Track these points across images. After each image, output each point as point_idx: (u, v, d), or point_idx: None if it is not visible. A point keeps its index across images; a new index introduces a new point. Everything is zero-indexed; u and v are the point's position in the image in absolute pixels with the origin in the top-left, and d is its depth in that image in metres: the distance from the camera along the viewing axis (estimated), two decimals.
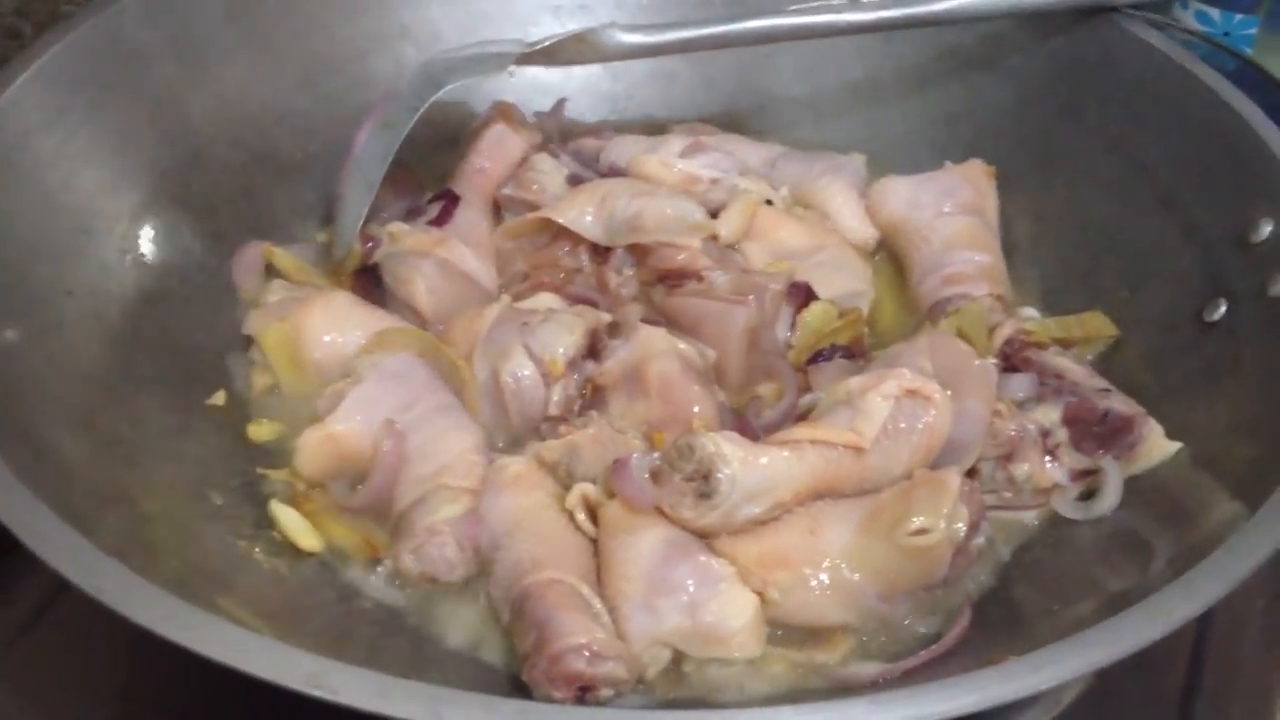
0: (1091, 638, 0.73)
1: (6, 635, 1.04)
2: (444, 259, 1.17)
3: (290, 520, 0.99)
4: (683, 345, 1.08)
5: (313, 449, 1.02)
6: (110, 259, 1.09)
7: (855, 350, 1.12)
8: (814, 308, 1.15)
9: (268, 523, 1.00)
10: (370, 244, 1.20)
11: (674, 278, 1.16)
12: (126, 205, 1.12)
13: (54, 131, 1.08)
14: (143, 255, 1.12)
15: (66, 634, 1.04)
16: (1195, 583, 0.76)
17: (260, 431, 1.08)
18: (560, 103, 1.40)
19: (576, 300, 1.16)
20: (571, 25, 1.38)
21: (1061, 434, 1.02)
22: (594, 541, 0.96)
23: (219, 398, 1.09)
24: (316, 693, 0.67)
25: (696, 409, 1.03)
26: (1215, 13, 1.69)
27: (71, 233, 1.06)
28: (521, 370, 1.04)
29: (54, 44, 1.10)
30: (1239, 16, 1.68)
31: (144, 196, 1.14)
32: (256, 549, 0.96)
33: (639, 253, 1.18)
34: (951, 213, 1.23)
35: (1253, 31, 1.68)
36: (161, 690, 1.01)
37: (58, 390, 0.95)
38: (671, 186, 1.25)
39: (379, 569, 0.98)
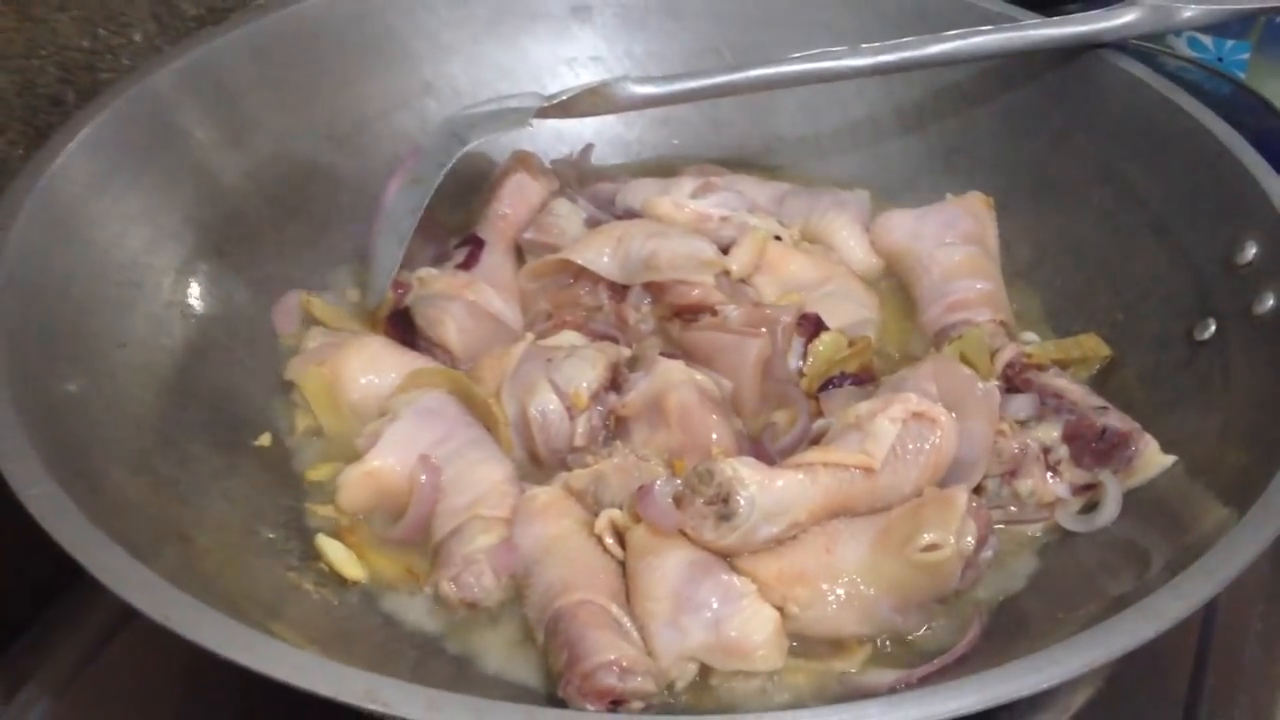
0: (1088, 639, 0.77)
1: (71, 667, 1.09)
2: (472, 301, 1.22)
3: (335, 552, 1.04)
4: (700, 376, 1.12)
5: (354, 485, 1.07)
6: (159, 312, 1.14)
7: (865, 377, 1.16)
8: (825, 337, 1.19)
9: (314, 555, 1.04)
10: (401, 289, 1.25)
11: (689, 312, 1.21)
12: (172, 261, 1.17)
13: (102, 194, 1.13)
14: (189, 307, 1.17)
15: (126, 665, 1.09)
16: (1185, 585, 0.81)
17: (318, 473, 1.12)
18: (588, 147, 1.46)
19: (598, 337, 1.21)
20: (586, 76, 1.46)
21: (1062, 450, 1.06)
22: (622, 564, 1.00)
23: (265, 439, 1.14)
24: (371, 706, 0.72)
25: (715, 436, 1.07)
26: (1208, 39, 1.74)
27: (122, 288, 1.11)
28: (547, 404, 1.09)
29: (99, 112, 1.15)
30: (1231, 42, 1.73)
31: (188, 252, 1.19)
32: (305, 579, 1.01)
33: (655, 290, 1.23)
34: (952, 243, 1.27)
35: (1245, 56, 1.73)
36: (216, 714, 1.06)
37: (116, 436, 1.00)
38: (684, 226, 1.29)
39: (419, 596, 1.02)
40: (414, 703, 0.72)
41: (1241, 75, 1.72)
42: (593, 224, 1.33)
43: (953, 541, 0.93)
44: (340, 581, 1.03)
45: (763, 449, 1.09)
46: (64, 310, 1.04)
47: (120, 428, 1.02)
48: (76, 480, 0.88)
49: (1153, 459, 1.04)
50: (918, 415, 1.01)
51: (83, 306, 1.06)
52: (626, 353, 1.17)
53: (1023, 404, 1.09)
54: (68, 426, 0.96)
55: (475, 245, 1.29)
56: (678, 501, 0.98)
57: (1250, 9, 1.37)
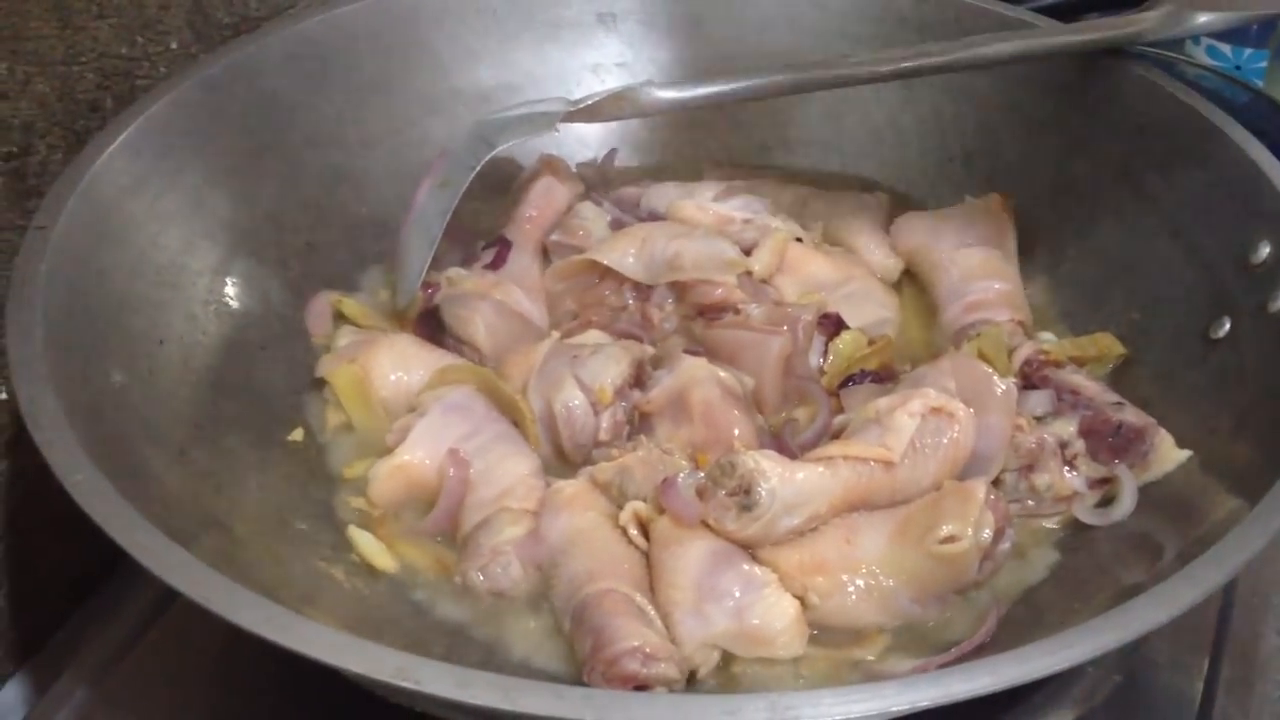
0: (1102, 623, 0.79)
1: (104, 660, 1.11)
2: (499, 300, 1.24)
3: (366, 543, 1.06)
4: (722, 373, 1.13)
5: (384, 478, 1.09)
6: (196, 310, 1.16)
7: (885, 375, 1.18)
8: (845, 336, 1.20)
9: (346, 546, 1.06)
10: (430, 289, 1.27)
11: (712, 311, 1.22)
12: (208, 262, 1.19)
13: (140, 196, 1.15)
14: (224, 306, 1.19)
15: (159, 658, 1.11)
16: (1196, 573, 0.82)
17: (353, 471, 1.14)
18: (612, 152, 1.48)
19: (622, 335, 1.22)
20: (610, 82, 1.47)
21: (1079, 445, 1.07)
22: (646, 554, 1.01)
23: (297, 434, 1.16)
24: (403, 683, 0.73)
25: (737, 431, 1.09)
26: (1227, 48, 1.74)
27: (160, 287, 1.13)
28: (573, 400, 1.10)
29: (136, 117, 1.17)
30: (1249, 50, 1.73)
31: (224, 253, 1.21)
32: (336, 569, 1.03)
33: (679, 290, 1.25)
34: (971, 244, 1.29)
35: (1263, 65, 1.73)
36: (248, 705, 1.08)
37: (155, 428, 1.02)
38: (707, 228, 1.31)
39: (448, 586, 1.04)
40: (444, 680, 0.73)
41: (1260, 83, 1.73)
42: (617, 226, 1.35)
43: (970, 534, 0.95)
44: (371, 572, 1.05)
45: (784, 444, 1.10)
46: (104, 307, 1.06)
47: (159, 421, 1.04)
48: (117, 469, 0.89)
49: (1168, 454, 1.06)
50: (936, 410, 1.02)
51: (122, 304, 1.09)
52: (650, 350, 1.18)
53: (1040, 400, 1.10)
54: (108, 419, 0.98)
55: (503, 246, 1.32)
56: (700, 493, 0.99)
57: (1266, 14, 1.38)
